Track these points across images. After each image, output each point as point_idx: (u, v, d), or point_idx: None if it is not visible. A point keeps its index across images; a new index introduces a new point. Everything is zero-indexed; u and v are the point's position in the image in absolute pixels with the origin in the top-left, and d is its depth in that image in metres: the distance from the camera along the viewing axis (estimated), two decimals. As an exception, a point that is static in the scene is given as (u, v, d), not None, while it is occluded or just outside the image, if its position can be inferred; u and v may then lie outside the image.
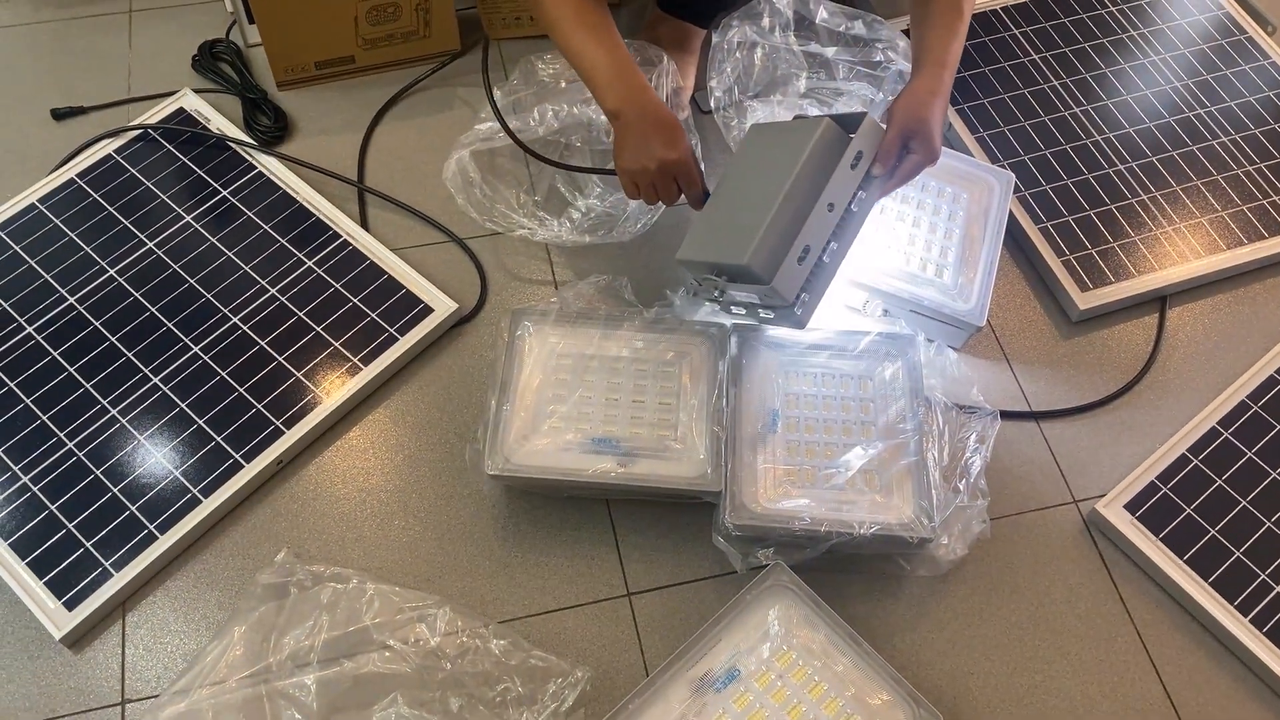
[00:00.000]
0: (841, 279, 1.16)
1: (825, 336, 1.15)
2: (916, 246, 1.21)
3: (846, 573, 1.07)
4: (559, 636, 1.04)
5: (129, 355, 1.16)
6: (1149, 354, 1.24)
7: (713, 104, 1.37)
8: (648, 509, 1.09)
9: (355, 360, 1.17)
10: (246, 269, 1.23)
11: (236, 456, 1.11)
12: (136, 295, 1.20)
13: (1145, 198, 1.32)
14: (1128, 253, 1.27)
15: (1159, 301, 1.28)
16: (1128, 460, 1.16)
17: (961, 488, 1.07)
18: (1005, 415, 1.19)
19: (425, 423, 1.16)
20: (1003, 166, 1.33)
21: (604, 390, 1.12)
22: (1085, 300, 1.24)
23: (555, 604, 1.06)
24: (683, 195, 1.11)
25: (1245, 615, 1.05)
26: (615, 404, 1.11)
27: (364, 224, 1.30)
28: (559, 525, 1.10)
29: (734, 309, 1.11)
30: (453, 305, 1.21)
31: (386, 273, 1.24)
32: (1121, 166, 1.35)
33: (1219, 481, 1.13)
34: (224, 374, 1.16)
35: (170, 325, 1.18)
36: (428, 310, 1.21)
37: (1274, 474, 1.13)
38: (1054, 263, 1.27)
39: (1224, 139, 1.37)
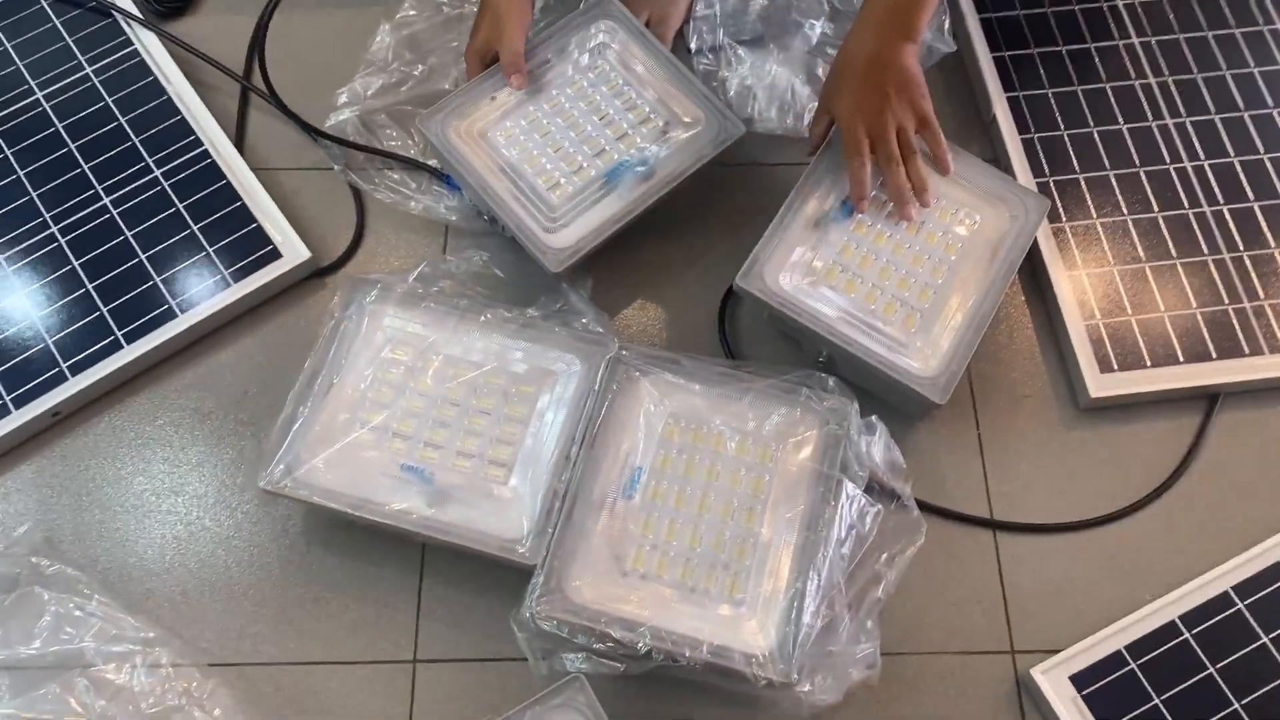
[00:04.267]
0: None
1: (737, 387, 0.89)
2: (887, 279, 0.92)
3: (691, 689, 0.84)
4: (314, 698, 0.85)
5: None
6: (1172, 471, 0.94)
7: (693, 45, 1.08)
8: (467, 561, 0.87)
9: (174, 304, 0.97)
10: (85, 169, 1.03)
11: (6, 399, 0.93)
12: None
13: (1228, 257, 0.99)
14: (1180, 329, 0.96)
15: (1206, 401, 0.96)
16: (1098, 612, 0.88)
17: (846, 621, 0.81)
18: (957, 518, 0.91)
19: (237, 395, 0.96)
20: (1045, 185, 1.02)
21: (436, 404, 0.89)
22: (1101, 386, 0.94)
23: (324, 655, 0.87)
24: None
25: None
26: (444, 425, 0.89)
27: (239, 133, 1.08)
28: (360, 556, 0.90)
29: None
30: (305, 254, 0.99)
31: (242, 199, 1.02)
32: (1208, 209, 1.01)
33: (1211, 669, 0.84)
34: (23, 293, 0.97)
35: (-25, 224, 1.00)
36: (275, 255, 0.99)
37: (1291, 674, 0.84)
38: (1076, 327, 0.96)
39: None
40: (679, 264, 1.01)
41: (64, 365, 0.94)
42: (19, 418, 0.92)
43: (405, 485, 0.86)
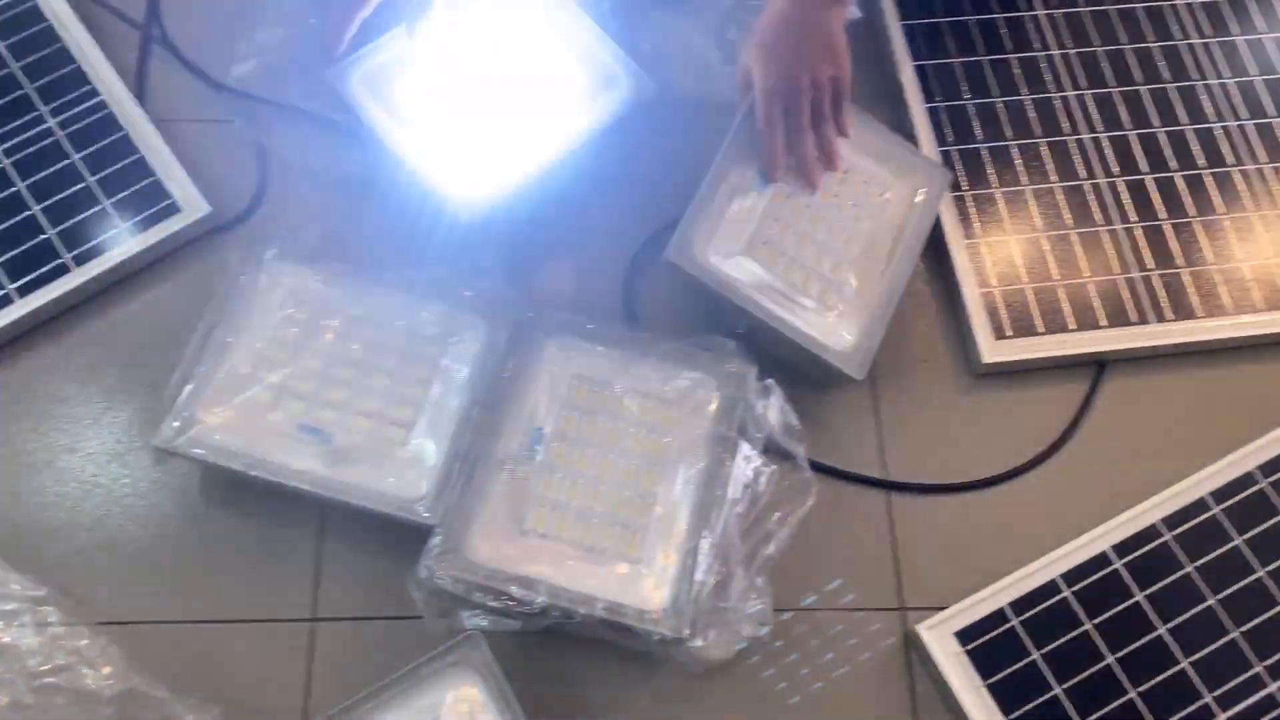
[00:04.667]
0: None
1: (641, 350, 0.90)
2: (805, 251, 0.93)
3: (589, 646, 0.85)
4: (208, 658, 0.85)
5: None
6: (1060, 435, 0.97)
7: (606, 4, 1.08)
8: (367, 520, 0.87)
9: (68, 258, 0.95)
10: (-23, 116, 1.00)
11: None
12: None
13: (1120, 228, 1.02)
14: (1074, 297, 0.99)
15: (1095, 368, 0.99)
16: (984, 570, 0.90)
17: (739, 578, 0.83)
18: (851, 479, 0.94)
19: (135, 352, 0.94)
20: (949, 154, 1.04)
21: (336, 363, 0.89)
22: (995, 351, 0.97)
23: (220, 614, 0.86)
24: None
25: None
26: (344, 385, 0.88)
27: (139, 83, 1.05)
28: (258, 516, 0.89)
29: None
30: (205, 208, 0.98)
31: (140, 152, 0.99)
32: (1103, 180, 1.04)
33: (1088, 625, 0.88)
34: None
35: None
36: (174, 210, 0.98)
37: (1161, 629, 0.88)
38: (973, 294, 0.99)
39: (1249, 167, 1.05)
40: (588, 229, 1.01)
41: (-48, 319, 0.92)
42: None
43: (303, 445, 0.86)
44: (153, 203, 0.97)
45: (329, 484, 0.84)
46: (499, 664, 0.80)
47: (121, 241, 0.96)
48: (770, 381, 0.89)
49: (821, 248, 0.93)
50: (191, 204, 0.98)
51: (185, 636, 0.85)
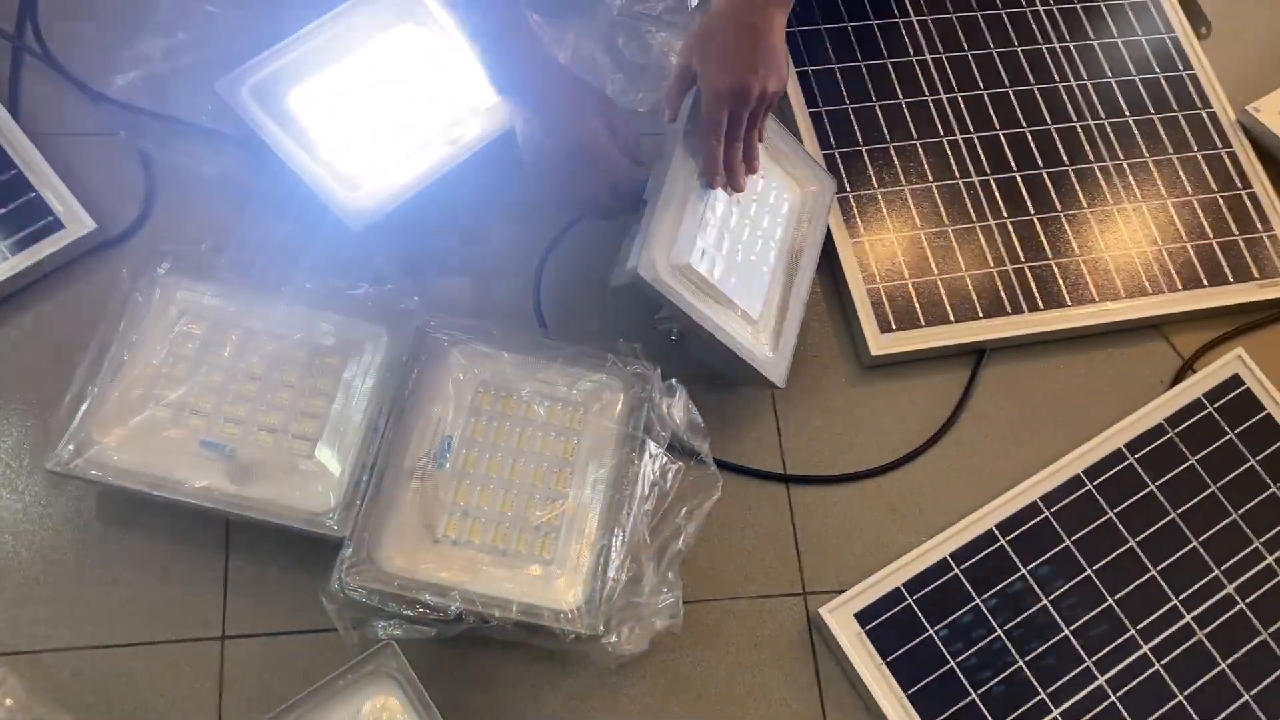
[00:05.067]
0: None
1: (546, 354, 0.92)
2: (738, 257, 0.95)
3: (505, 648, 0.87)
4: (117, 681, 0.83)
5: None
6: (944, 422, 1.02)
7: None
8: (274, 535, 0.87)
9: (-56, 278, 0.91)
10: None
11: None
12: None
13: (993, 223, 1.08)
14: (952, 291, 1.04)
15: (975, 356, 1.05)
16: (880, 552, 0.95)
17: (650, 574, 0.85)
18: (753, 474, 0.97)
19: (21, 374, 0.91)
20: (831, 156, 1.08)
21: (235, 377, 0.88)
22: (881, 345, 1.01)
23: (126, 638, 0.85)
24: None
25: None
26: (245, 399, 0.87)
27: (12, 95, 1.01)
28: (161, 535, 0.88)
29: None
30: (90, 224, 0.95)
31: (17, 166, 0.96)
32: (976, 179, 1.10)
33: (978, 600, 0.93)
34: None
35: None
36: (57, 226, 0.95)
37: (1045, 600, 0.93)
38: (859, 291, 1.03)
39: (1109, 163, 1.12)
40: (483, 236, 1.02)
41: None
42: None
43: (206, 462, 0.85)
44: (34, 219, 0.95)
45: (234, 500, 0.83)
46: (416, 671, 0.80)
47: (2, 260, 0.92)
48: (674, 381, 0.92)
49: (744, 251, 0.95)
50: (75, 220, 0.95)
51: (88, 663, 0.83)
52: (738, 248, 0.95)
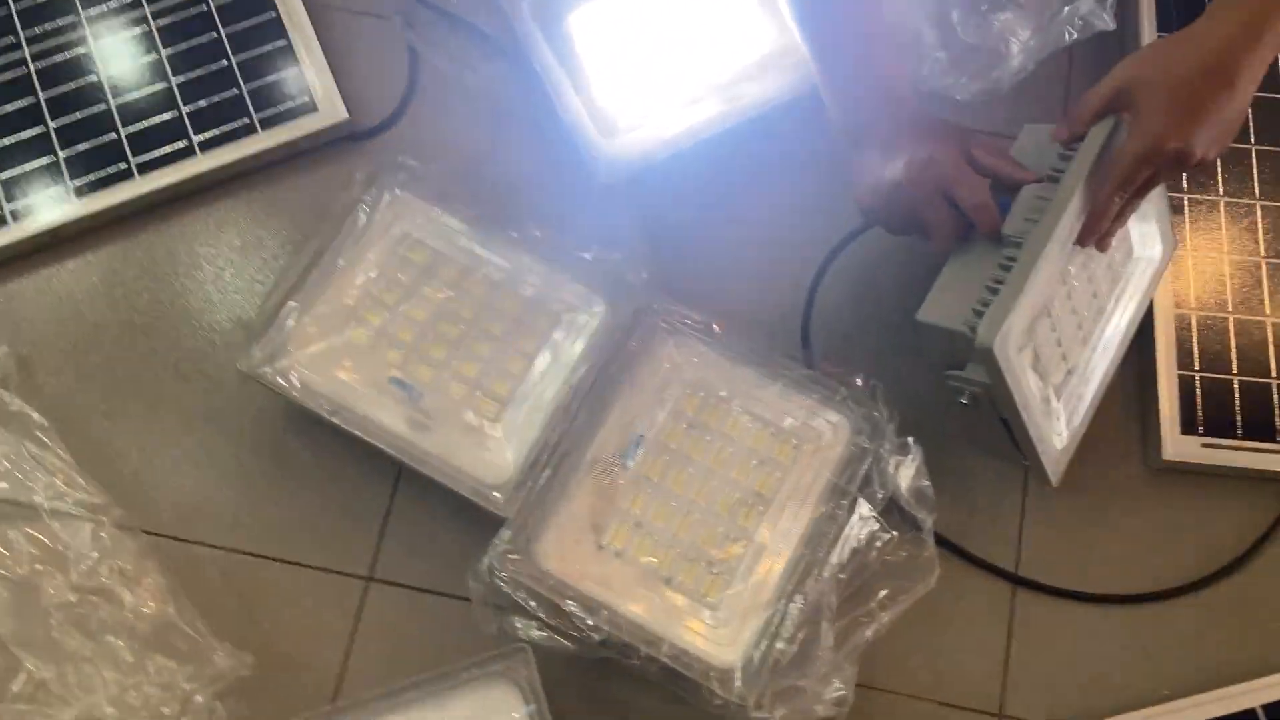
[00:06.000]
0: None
1: (770, 371, 0.80)
2: (1068, 333, 0.78)
3: (641, 684, 0.78)
4: (255, 594, 0.81)
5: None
6: (1232, 559, 0.83)
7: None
8: (443, 490, 0.81)
9: (194, 141, 0.90)
10: (128, -26, 0.94)
11: (5, 210, 0.87)
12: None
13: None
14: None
15: (1292, 489, 0.85)
16: (1107, 696, 0.79)
17: (826, 656, 0.74)
18: (974, 561, 0.83)
19: (237, 256, 0.89)
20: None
21: (443, 315, 0.82)
22: (1180, 449, 0.83)
23: (278, 552, 0.82)
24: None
25: None
26: (447, 343, 0.81)
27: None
28: (335, 456, 0.84)
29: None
30: (343, 114, 0.91)
31: (288, 36, 0.92)
32: (1363, 270, 0.87)
33: (1216, 791, 0.76)
34: (40, 98, 0.90)
35: None
36: (309, 108, 0.91)
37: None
38: (1168, 377, 0.84)
39: None
40: (743, 220, 0.90)
41: (72, 182, 0.88)
42: (12, 233, 0.87)
43: (391, 400, 0.79)
44: (289, 97, 0.91)
45: (408, 449, 0.78)
46: (543, 674, 0.74)
47: (249, 133, 0.89)
48: (910, 440, 0.78)
49: (1078, 324, 0.79)
50: (330, 106, 0.91)
51: (236, 566, 0.81)
52: (1075, 319, 0.78)
